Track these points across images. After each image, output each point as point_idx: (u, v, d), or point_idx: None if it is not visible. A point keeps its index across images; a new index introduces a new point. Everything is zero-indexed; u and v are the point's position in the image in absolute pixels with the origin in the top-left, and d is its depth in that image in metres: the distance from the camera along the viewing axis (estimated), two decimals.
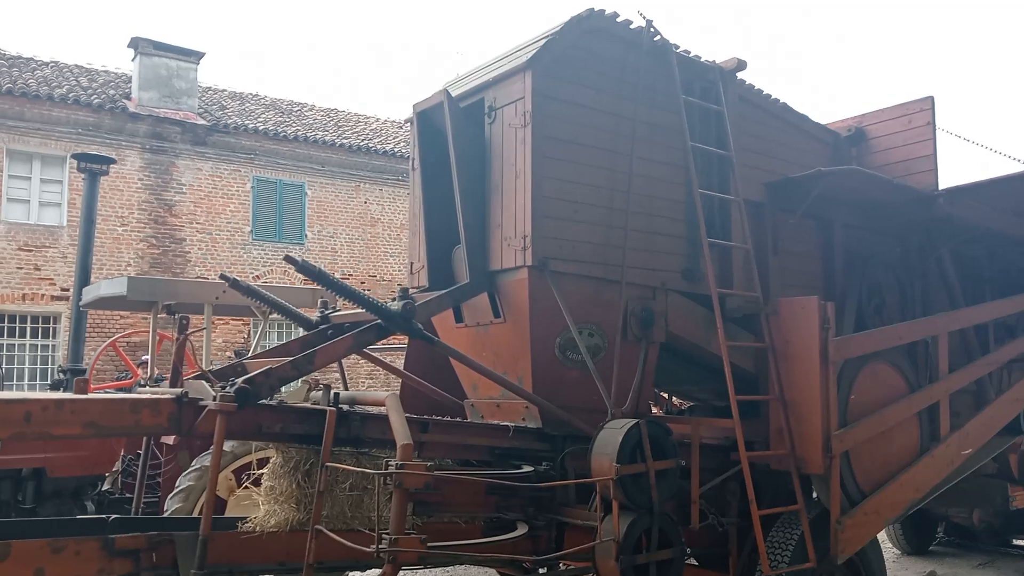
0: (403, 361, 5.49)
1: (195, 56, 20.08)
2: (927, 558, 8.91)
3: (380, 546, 3.19)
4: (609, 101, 4.82)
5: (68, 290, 18.23)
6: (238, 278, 4.34)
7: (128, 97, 19.26)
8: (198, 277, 18.60)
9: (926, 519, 8.73)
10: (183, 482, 6.26)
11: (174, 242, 19.18)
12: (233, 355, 14.90)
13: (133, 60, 19.79)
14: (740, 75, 5.56)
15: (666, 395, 6.90)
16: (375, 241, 22.00)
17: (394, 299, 4.17)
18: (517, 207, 4.52)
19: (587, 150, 4.71)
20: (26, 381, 17.49)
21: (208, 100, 21.25)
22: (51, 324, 18.28)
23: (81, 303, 8.60)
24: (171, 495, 6.20)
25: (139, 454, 7.35)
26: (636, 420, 4.11)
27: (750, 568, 5.05)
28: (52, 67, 20.14)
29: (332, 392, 3.85)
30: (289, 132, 20.77)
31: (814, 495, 5.28)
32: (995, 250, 7.18)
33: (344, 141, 21.66)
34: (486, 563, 4.34)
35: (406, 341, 5.30)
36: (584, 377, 4.74)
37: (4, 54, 19.91)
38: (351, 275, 21.32)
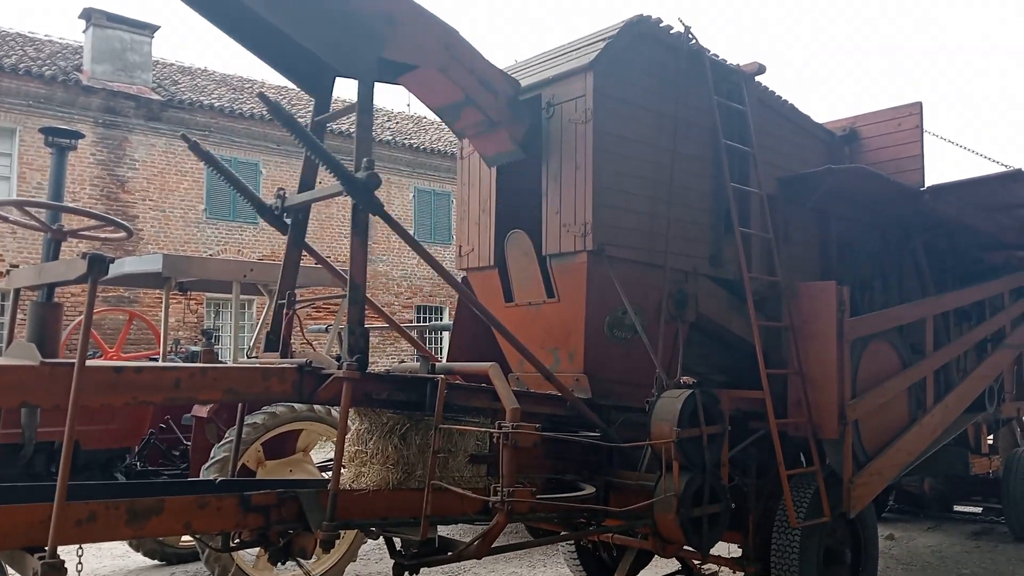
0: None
1: (150, 29, 19.71)
2: (881, 523, 9.72)
3: (500, 497, 3.60)
4: (654, 100, 5.28)
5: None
6: (197, 142, 4.30)
7: (79, 69, 18.81)
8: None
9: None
10: (218, 453, 6.49)
11: (126, 219, 18.84)
12: (201, 335, 14.87)
13: (85, 31, 19.31)
14: (757, 78, 6.09)
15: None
16: (329, 222, 22.02)
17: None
18: (577, 196, 4.94)
19: (636, 145, 5.16)
20: None
21: (159, 74, 20.87)
22: None
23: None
24: (206, 465, 6.43)
25: (162, 428, 7.54)
26: (692, 390, 4.60)
27: (763, 524, 5.62)
28: None
29: (430, 364, 4.20)
30: (245, 109, 20.61)
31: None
32: (956, 242, 7.93)
33: (300, 120, 21.56)
34: (564, 519, 4.75)
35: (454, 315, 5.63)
36: (625, 353, 5.22)
37: None
38: (304, 256, 21.30)
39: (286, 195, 4.55)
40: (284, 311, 4.34)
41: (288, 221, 4.66)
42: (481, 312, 4.58)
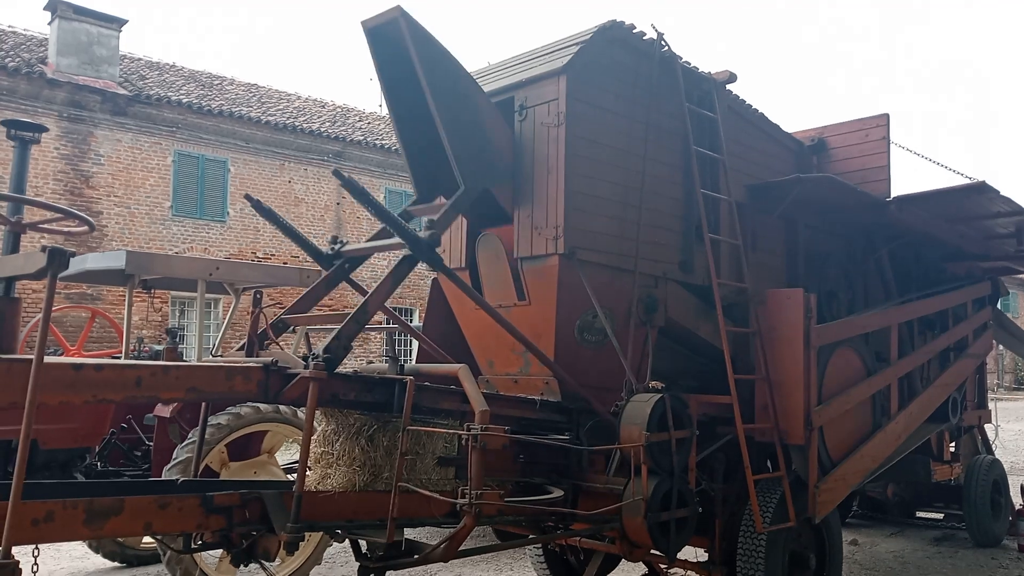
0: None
1: (117, 23, 19.39)
2: (845, 529, 9.83)
3: (468, 500, 3.57)
4: (625, 105, 5.29)
5: None
6: (260, 200, 4.52)
7: (44, 62, 18.46)
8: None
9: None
10: (181, 454, 6.38)
11: (90, 215, 18.51)
12: (165, 334, 14.63)
13: (50, 24, 18.94)
14: (728, 87, 6.14)
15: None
16: (299, 221, 21.78)
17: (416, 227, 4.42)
18: (549, 200, 4.93)
19: (607, 150, 5.17)
20: None
21: (126, 69, 20.54)
22: None
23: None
24: (168, 466, 6.31)
25: (123, 427, 7.40)
26: (661, 394, 4.61)
27: (730, 529, 5.65)
28: None
29: (399, 364, 4.17)
30: (214, 106, 20.36)
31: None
32: (921, 252, 8.05)
33: (270, 118, 21.38)
34: (532, 523, 4.74)
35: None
36: (595, 356, 5.22)
37: None
38: (274, 255, 21.10)
39: (344, 244, 4.95)
40: (252, 310, 4.27)
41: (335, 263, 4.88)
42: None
